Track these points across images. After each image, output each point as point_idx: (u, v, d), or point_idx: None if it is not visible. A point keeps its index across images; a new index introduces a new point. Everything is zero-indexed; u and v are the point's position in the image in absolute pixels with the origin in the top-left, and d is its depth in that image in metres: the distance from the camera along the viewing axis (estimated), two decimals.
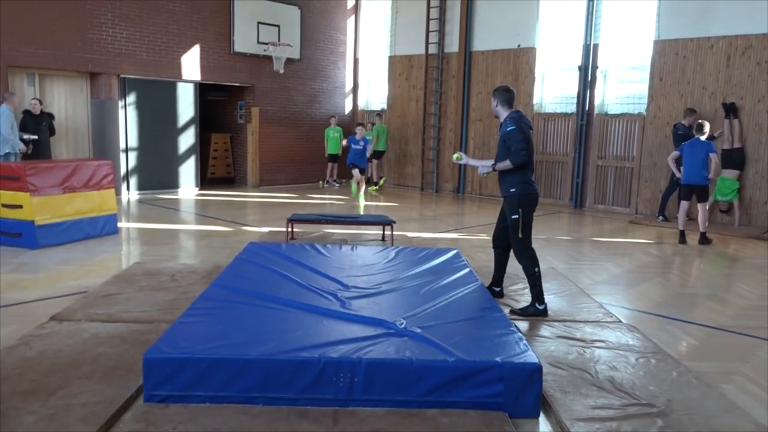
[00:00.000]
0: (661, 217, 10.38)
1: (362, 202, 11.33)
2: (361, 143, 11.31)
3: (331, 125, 14.44)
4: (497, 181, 5.34)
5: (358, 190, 11.40)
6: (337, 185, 14.51)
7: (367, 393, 3.31)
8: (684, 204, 8.71)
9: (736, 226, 9.86)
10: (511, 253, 5.34)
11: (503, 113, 5.17)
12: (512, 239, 5.13)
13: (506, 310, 4.99)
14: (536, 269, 5.04)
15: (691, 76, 10.59)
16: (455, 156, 5.50)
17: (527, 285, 5.90)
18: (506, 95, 5.15)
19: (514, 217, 5.04)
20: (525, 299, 5.40)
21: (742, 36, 10.00)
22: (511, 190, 5.05)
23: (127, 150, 12.06)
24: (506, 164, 5.02)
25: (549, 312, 5.11)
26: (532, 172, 5.15)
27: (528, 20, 12.52)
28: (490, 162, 5.28)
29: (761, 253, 8.27)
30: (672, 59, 10.77)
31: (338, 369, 3.32)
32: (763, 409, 3.58)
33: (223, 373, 3.31)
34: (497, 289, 5.50)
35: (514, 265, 6.49)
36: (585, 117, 11.79)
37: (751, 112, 9.95)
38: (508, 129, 5.00)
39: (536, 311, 5.03)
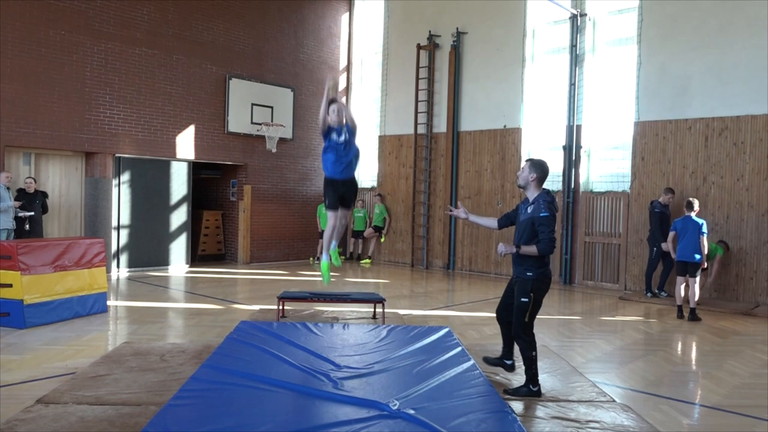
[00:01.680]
0: (649, 294, 10.45)
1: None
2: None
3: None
4: (511, 260, 5.22)
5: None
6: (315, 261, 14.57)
7: None
8: (680, 279, 8.89)
9: (711, 279, 9.95)
10: None
11: (534, 191, 5.01)
12: (515, 319, 5.07)
13: (500, 389, 4.96)
14: (534, 353, 5.02)
15: (672, 155, 10.95)
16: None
17: (521, 363, 5.89)
18: (544, 170, 4.99)
19: (523, 300, 4.98)
20: (518, 379, 5.37)
21: (718, 118, 10.43)
22: (528, 273, 4.97)
23: (119, 227, 12.12)
24: (532, 250, 4.89)
25: (543, 391, 5.08)
26: (549, 257, 5.05)
27: (513, 102, 13.01)
28: (490, 220, 5.43)
29: (750, 329, 8.31)
30: (652, 139, 11.16)
31: None
32: None
33: None
34: (509, 362, 5.46)
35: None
36: (571, 194, 12.06)
37: (731, 190, 10.24)
38: (542, 214, 4.87)
39: (529, 392, 4.99)
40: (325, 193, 5.72)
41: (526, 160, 5.16)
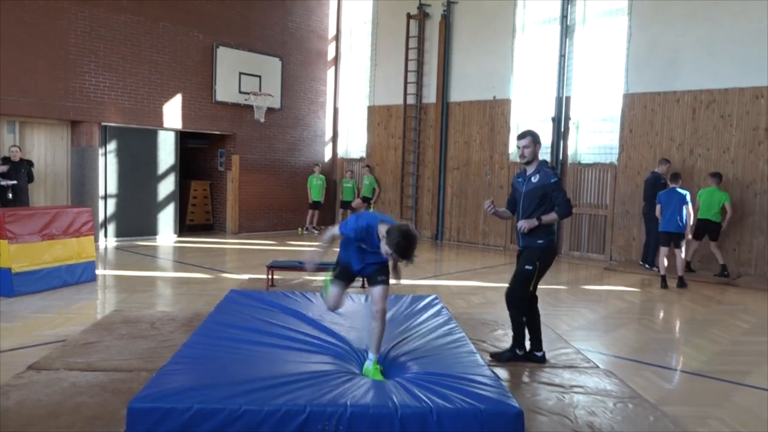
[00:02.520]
0: (655, 268, 10.14)
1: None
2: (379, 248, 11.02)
3: (315, 173, 14.73)
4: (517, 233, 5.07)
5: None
6: (316, 232, 14.57)
7: None
8: (664, 250, 9.06)
9: (726, 222, 9.77)
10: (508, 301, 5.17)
11: (535, 162, 4.97)
12: (515, 285, 5.01)
13: (486, 356, 5.06)
14: (523, 319, 5.06)
15: (660, 128, 11.01)
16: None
17: (507, 331, 5.98)
18: (540, 141, 4.99)
19: (528, 267, 4.93)
20: (505, 346, 5.47)
21: (706, 90, 10.47)
22: (539, 241, 4.90)
23: (105, 197, 12.05)
24: (552, 218, 4.86)
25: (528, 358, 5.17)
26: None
27: (503, 73, 12.96)
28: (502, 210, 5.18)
29: (732, 298, 8.48)
30: (641, 112, 11.20)
31: (324, 418, 3.33)
32: None
33: (209, 423, 3.30)
34: (539, 354, 5.11)
35: (494, 312, 6.59)
36: (559, 166, 12.11)
37: (717, 162, 10.34)
38: (553, 180, 4.85)
39: (515, 356, 5.08)
40: (336, 265, 4.49)
41: (525, 135, 4.99)
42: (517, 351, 5.10)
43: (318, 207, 14.78)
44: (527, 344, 5.19)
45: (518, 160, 5.00)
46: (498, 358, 5.13)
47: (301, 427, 3.32)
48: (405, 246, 3.84)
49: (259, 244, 12.73)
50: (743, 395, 4.67)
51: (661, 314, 7.66)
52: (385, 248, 3.90)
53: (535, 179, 4.95)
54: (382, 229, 3.96)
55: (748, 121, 10.10)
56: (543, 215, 4.88)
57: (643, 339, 6.26)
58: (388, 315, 5.52)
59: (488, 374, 3.97)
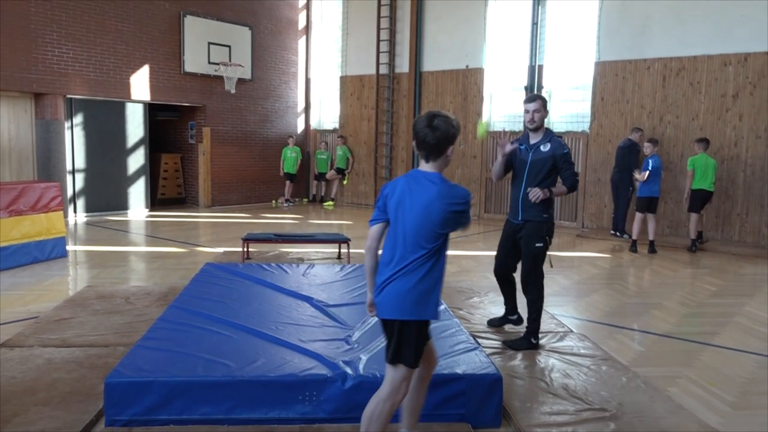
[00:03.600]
0: (626, 235, 10.20)
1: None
2: None
3: (289, 145, 14.62)
4: (518, 205, 4.69)
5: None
6: (289, 204, 14.45)
7: (333, 410, 3.34)
8: (639, 216, 9.23)
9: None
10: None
11: (542, 128, 4.60)
12: (529, 267, 4.63)
13: (464, 323, 5.11)
14: (542, 303, 4.72)
15: (630, 95, 11.10)
16: (482, 129, 4.69)
17: (483, 299, 6.06)
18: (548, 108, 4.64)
19: (539, 245, 4.56)
20: (481, 312, 5.54)
21: (676, 58, 10.56)
22: (544, 215, 4.57)
23: (74, 171, 11.77)
24: (562, 190, 4.55)
25: (502, 324, 5.24)
26: None
27: (475, 42, 12.88)
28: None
29: (699, 262, 8.69)
30: (612, 80, 11.26)
31: (303, 388, 3.35)
32: (706, 409, 3.79)
33: (187, 396, 3.29)
34: (514, 317, 5.11)
35: (469, 279, 6.63)
36: None
37: (686, 129, 10.49)
38: (565, 151, 4.50)
39: (530, 345, 4.66)
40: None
41: (535, 98, 4.59)
42: (533, 339, 4.68)
43: (292, 179, 14.65)
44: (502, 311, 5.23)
45: (527, 125, 4.62)
46: (514, 347, 4.68)
47: (280, 398, 3.33)
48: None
49: (233, 217, 12.61)
50: (711, 355, 4.81)
51: (632, 279, 7.82)
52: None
53: (545, 148, 4.53)
54: None
55: (717, 88, 10.23)
56: (552, 187, 4.52)
57: (615, 303, 6.39)
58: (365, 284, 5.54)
59: (468, 341, 4.01)
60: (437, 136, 2.73)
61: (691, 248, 9.36)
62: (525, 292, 4.73)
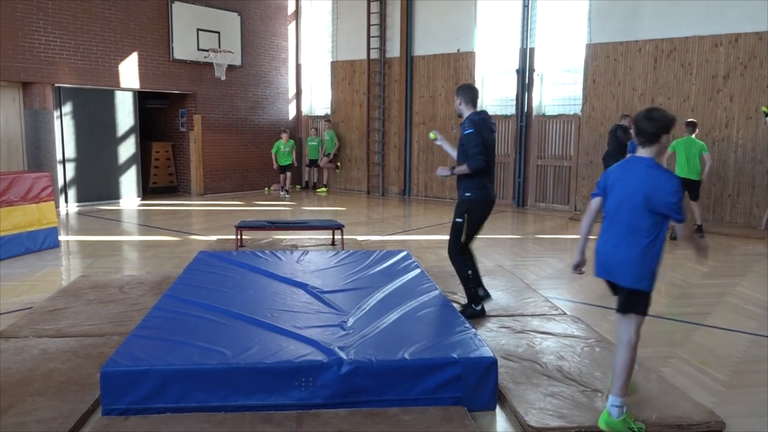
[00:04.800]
0: None
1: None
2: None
3: (283, 140, 13.72)
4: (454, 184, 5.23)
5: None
6: (286, 195, 13.78)
7: (329, 395, 3.36)
8: None
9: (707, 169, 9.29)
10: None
11: (466, 112, 4.99)
12: (450, 239, 5.08)
13: (458, 307, 5.13)
14: (469, 272, 5.03)
15: (622, 77, 11.09)
16: (431, 135, 5.28)
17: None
18: (470, 93, 4.98)
19: (458, 220, 4.98)
20: None
21: (667, 39, 10.55)
22: (466, 194, 4.95)
23: (64, 161, 11.67)
24: (463, 169, 4.89)
25: (498, 307, 5.27)
26: (491, 177, 5.00)
27: (466, 25, 12.82)
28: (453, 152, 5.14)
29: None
30: (603, 62, 11.24)
31: (299, 374, 3.36)
32: (698, 388, 3.83)
33: (183, 384, 3.30)
34: (482, 293, 5.22)
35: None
36: (524, 118, 12.16)
37: (678, 110, 10.49)
38: (466, 132, 4.87)
39: (473, 312, 5.01)
40: None
41: (456, 92, 5.13)
42: (473, 306, 5.04)
43: (289, 169, 13.81)
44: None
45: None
46: (463, 314, 4.87)
47: (276, 384, 3.34)
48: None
49: (226, 205, 12.57)
50: (703, 335, 4.86)
51: None
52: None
53: (460, 132, 5.03)
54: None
55: (708, 69, 10.24)
56: (458, 166, 4.96)
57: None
58: (360, 269, 5.55)
59: (462, 325, 4.03)
60: (656, 126, 3.16)
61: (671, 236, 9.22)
62: (451, 261, 5.14)
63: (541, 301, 5.54)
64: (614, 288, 3.36)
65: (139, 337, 3.74)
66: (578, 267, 3.56)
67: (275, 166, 13.93)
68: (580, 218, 10.65)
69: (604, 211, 3.34)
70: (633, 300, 3.21)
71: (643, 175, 3.14)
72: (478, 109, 5.03)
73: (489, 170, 4.93)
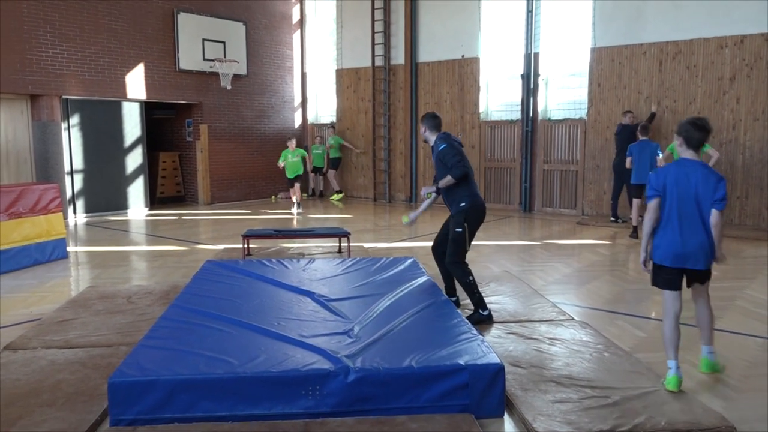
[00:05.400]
0: (619, 220, 10.44)
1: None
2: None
3: (290, 148, 12.16)
4: (444, 203, 5.36)
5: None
6: (300, 211, 12.42)
7: (336, 404, 3.35)
8: (636, 201, 9.19)
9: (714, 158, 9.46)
10: None
11: (432, 137, 5.35)
12: (450, 250, 5.16)
13: (465, 314, 5.12)
14: (470, 278, 5.12)
15: (627, 81, 11.06)
16: (404, 219, 5.67)
17: (483, 289, 6.05)
18: (433, 121, 5.35)
19: (458, 230, 5.09)
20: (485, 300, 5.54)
21: (672, 42, 10.52)
22: (461, 204, 5.10)
23: (72, 172, 11.76)
24: (448, 180, 5.09)
25: (506, 313, 5.26)
26: (476, 185, 5.26)
27: (470, 31, 12.84)
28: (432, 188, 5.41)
29: None
30: (608, 65, 11.22)
31: (306, 382, 3.35)
32: (709, 393, 3.80)
33: (190, 393, 3.30)
34: (453, 299, 5.45)
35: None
36: (530, 123, 12.15)
37: (684, 113, 10.44)
38: (441, 148, 5.15)
39: (480, 317, 5.06)
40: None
41: (420, 121, 5.46)
42: (481, 311, 5.09)
43: (299, 180, 12.37)
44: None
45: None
46: (470, 320, 4.95)
47: (283, 393, 3.34)
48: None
49: (233, 213, 12.61)
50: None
51: (632, 265, 7.82)
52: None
53: (434, 153, 5.31)
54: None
55: (713, 71, 10.20)
56: (441, 180, 5.17)
57: (616, 290, 6.39)
58: (366, 277, 5.56)
59: (469, 331, 4.02)
60: (706, 135, 3.81)
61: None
62: (451, 271, 5.26)
63: (548, 307, 5.52)
64: (680, 275, 3.93)
65: (146, 347, 3.75)
66: (647, 263, 4.01)
67: (286, 177, 12.45)
68: (587, 222, 10.68)
69: (667, 208, 3.82)
70: (707, 275, 4.00)
71: (700, 174, 3.74)
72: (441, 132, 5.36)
73: (472, 180, 5.22)
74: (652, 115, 10.40)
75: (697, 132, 3.78)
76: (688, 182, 3.74)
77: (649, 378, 3.89)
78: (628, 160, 9.26)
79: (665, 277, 3.92)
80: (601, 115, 11.39)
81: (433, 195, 5.41)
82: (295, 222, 11.35)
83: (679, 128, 3.84)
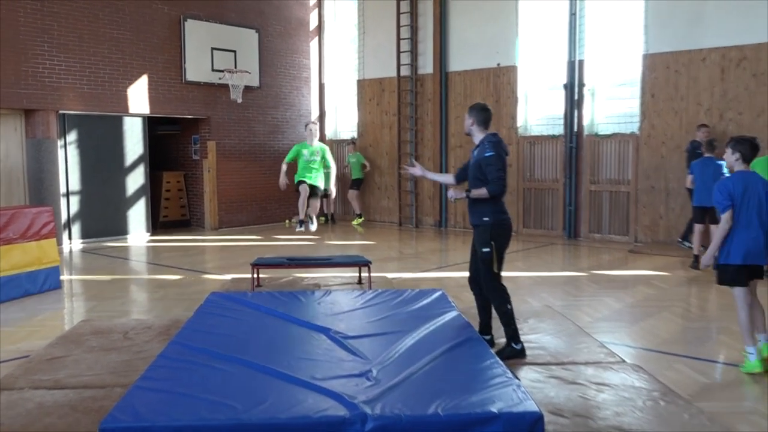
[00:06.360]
0: (686, 244, 10.16)
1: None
2: None
3: (312, 143, 9.23)
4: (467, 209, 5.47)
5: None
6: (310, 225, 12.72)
7: None
8: (698, 227, 9.02)
9: None
10: None
11: (479, 135, 5.34)
12: (483, 274, 5.23)
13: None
14: (509, 306, 5.18)
15: (685, 91, 10.97)
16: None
17: (522, 326, 5.99)
18: (484, 114, 5.32)
19: (485, 250, 5.16)
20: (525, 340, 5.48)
21: (736, 47, 10.43)
22: (485, 218, 5.17)
23: (68, 194, 12.00)
24: (482, 192, 5.13)
25: (546, 354, 5.19)
26: (505, 203, 5.30)
27: (507, 37, 12.90)
28: (448, 178, 5.54)
29: None
30: (663, 74, 11.16)
31: (318, 431, 3.32)
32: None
33: None
34: (487, 338, 5.38)
35: None
36: (574, 139, 12.09)
37: (750, 127, 10.28)
38: (487, 154, 5.15)
39: (513, 352, 5.10)
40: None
41: (468, 110, 5.47)
42: (513, 345, 5.13)
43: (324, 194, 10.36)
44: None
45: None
46: (500, 356, 4.88)
47: None
48: None
49: (243, 239, 12.72)
50: None
51: (694, 300, 7.67)
52: None
53: (475, 153, 5.34)
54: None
55: None
56: (475, 189, 5.21)
57: (675, 328, 6.27)
58: (389, 312, 5.53)
59: (504, 374, 3.96)
60: (757, 151, 5.11)
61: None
62: (488, 297, 5.32)
63: (595, 347, 5.43)
64: (748, 272, 5.01)
65: (142, 389, 3.77)
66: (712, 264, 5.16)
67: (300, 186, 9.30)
68: (641, 251, 10.52)
69: (738, 214, 4.91)
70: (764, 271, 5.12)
71: (761, 183, 4.97)
72: (490, 131, 5.38)
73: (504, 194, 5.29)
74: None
75: (752, 151, 5.03)
76: (756, 192, 4.89)
77: (712, 431, 3.78)
78: (689, 178, 9.10)
79: (738, 275, 4.98)
80: (656, 129, 11.29)
81: (463, 195, 5.32)
82: (310, 248, 11.37)
83: (736, 146, 5.03)
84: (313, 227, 9.32)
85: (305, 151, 9.07)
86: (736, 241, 4.90)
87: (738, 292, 5.01)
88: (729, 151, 5.13)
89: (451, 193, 5.34)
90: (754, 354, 4.80)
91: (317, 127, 9.58)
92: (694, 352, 5.50)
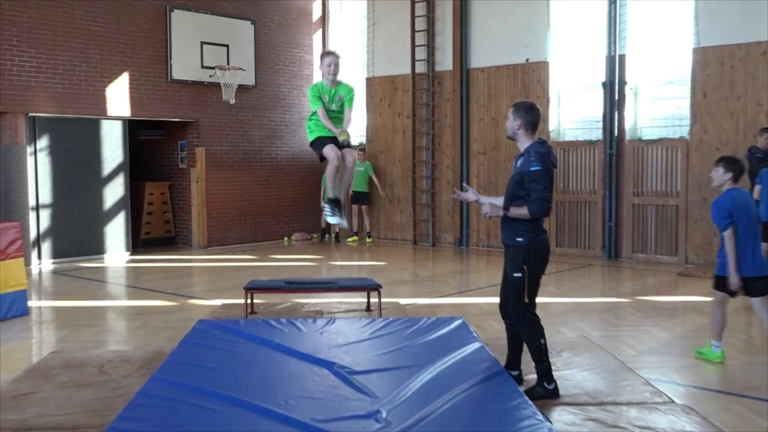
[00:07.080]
0: None
1: None
2: None
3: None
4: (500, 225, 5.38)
5: None
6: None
7: None
8: (765, 246, 8.89)
9: None
10: None
11: (525, 141, 5.17)
12: (512, 302, 5.17)
13: None
14: (542, 341, 5.08)
15: (742, 90, 10.95)
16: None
17: (555, 360, 5.96)
18: (532, 115, 5.15)
19: (517, 275, 5.08)
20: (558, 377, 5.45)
21: None
22: (518, 239, 5.08)
23: (38, 208, 12.09)
24: (523, 213, 5.02)
25: (583, 393, 5.16)
26: (543, 221, 5.18)
27: (537, 29, 12.93)
28: (488, 197, 5.36)
29: None
30: (716, 70, 11.14)
31: None
32: None
33: None
34: (514, 373, 5.37)
35: None
36: (614, 145, 12.08)
37: None
38: (533, 169, 4.99)
39: (545, 392, 5.03)
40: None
41: (511, 105, 5.31)
42: (546, 384, 5.06)
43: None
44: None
45: None
46: (530, 396, 4.86)
47: None
48: None
49: (235, 260, 12.76)
50: None
51: (755, 331, 7.60)
52: None
53: (518, 163, 5.19)
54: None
55: None
56: (515, 207, 5.08)
57: (733, 363, 6.21)
58: (401, 343, 5.53)
59: (534, 416, 3.95)
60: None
61: None
62: (519, 329, 5.22)
63: (639, 385, 5.38)
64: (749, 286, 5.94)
65: (119, 431, 3.78)
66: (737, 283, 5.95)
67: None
68: (692, 273, 10.47)
69: (744, 229, 5.92)
70: None
71: (752, 201, 5.99)
72: (537, 137, 5.23)
73: None
74: None
75: (743, 165, 6.01)
76: (748, 206, 5.98)
77: None
78: (756, 189, 8.96)
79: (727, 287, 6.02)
80: (709, 133, 11.27)
81: (500, 213, 5.19)
82: (312, 270, 11.39)
83: (729, 165, 6.04)
84: (344, 222, 7.52)
85: (325, 97, 7.60)
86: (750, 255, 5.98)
87: (721, 296, 6.13)
88: (722, 170, 6.01)
89: (486, 209, 5.20)
90: (719, 347, 5.96)
91: (338, 60, 7.80)
92: (755, 392, 5.44)
